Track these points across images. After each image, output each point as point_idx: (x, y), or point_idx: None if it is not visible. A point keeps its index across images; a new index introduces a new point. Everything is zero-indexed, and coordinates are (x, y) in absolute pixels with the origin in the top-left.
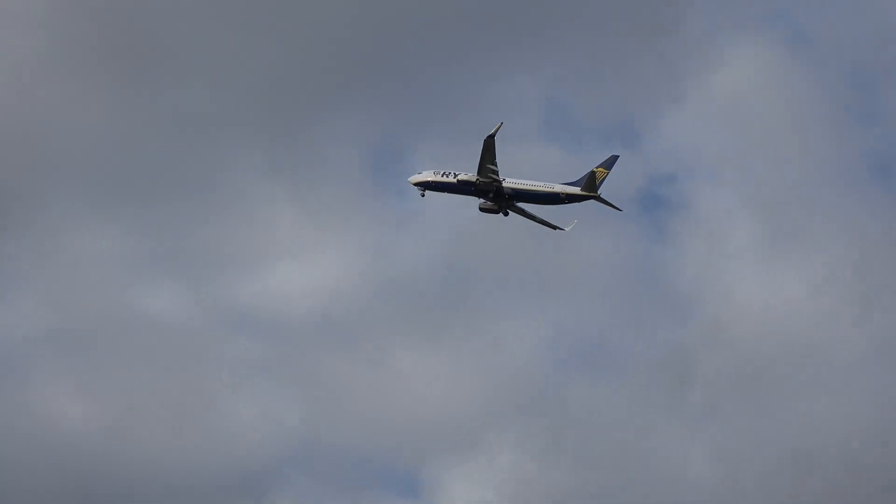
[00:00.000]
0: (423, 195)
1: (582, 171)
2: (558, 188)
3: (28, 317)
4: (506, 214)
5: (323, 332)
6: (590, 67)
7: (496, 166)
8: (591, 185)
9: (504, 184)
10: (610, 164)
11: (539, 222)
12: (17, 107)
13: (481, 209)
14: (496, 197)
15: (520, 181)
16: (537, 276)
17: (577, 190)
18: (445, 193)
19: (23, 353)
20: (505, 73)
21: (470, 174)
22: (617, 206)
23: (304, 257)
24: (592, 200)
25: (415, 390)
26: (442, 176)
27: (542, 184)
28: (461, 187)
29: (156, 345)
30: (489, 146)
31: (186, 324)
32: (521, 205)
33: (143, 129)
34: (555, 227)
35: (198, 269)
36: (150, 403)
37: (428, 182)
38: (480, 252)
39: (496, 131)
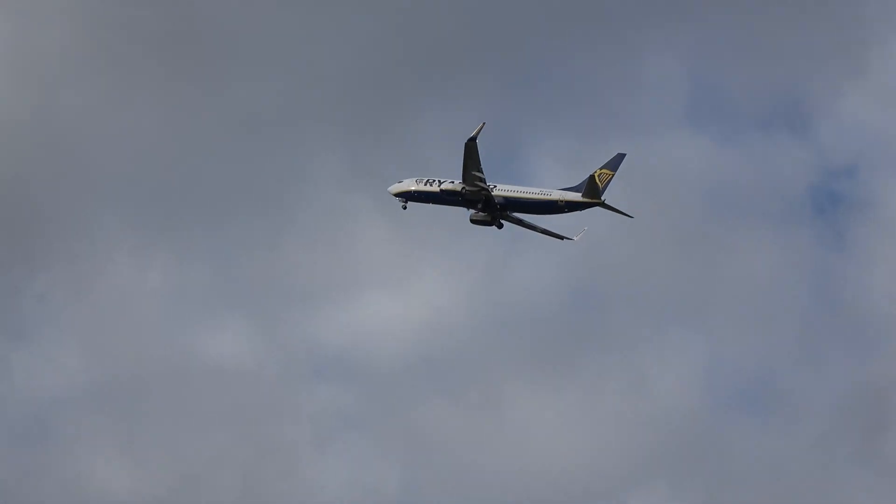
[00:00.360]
0: (404, 207)
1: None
2: (556, 195)
3: (67, 366)
4: (499, 226)
5: (423, 376)
6: (744, 38)
7: (482, 173)
8: (592, 191)
9: (494, 192)
10: (615, 164)
11: (541, 232)
12: (50, 110)
13: (472, 221)
14: (486, 207)
15: (512, 188)
16: (680, 295)
17: (577, 196)
18: (431, 204)
19: (61, 410)
20: (642, 50)
21: (455, 182)
22: (627, 212)
23: (398, 285)
24: (598, 208)
25: (538, 443)
26: (426, 184)
27: (537, 190)
28: (446, 197)
29: (221, 397)
30: (471, 151)
31: (258, 371)
32: (516, 214)
33: (203, 133)
34: (561, 237)
35: (270, 304)
36: (215, 469)
37: (410, 192)
38: (607, 268)
39: (477, 133)
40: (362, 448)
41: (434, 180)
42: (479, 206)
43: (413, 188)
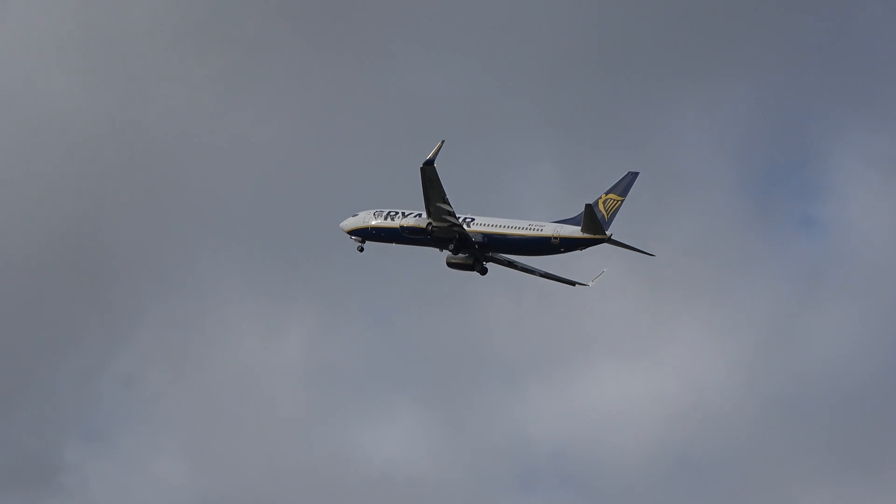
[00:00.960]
0: (361, 249)
1: None
2: (549, 229)
3: (165, 479)
4: (483, 271)
5: (677, 485)
6: None
7: (449, 204)
8: (592, 224)
9: (470, 228)
10: (625, 187)
11: (541, 276)
12: (140, 114)
13: (449, 264)
14: (462, 246)
15: (492, 221)
16: None
17: (575, 231)
18: (394, 244)
19: None
20: None
21: (420, 217)
22: (645, 250)
23: (637, 352)
24: (605, 244)
25: None
26: (386, 218)
27: (524, 224)
28: (410, 236)
29: None
30: (430, 178)
31: (438, 480)
32: (505, 256)
33: (351, 140)
34: (571, 283)
35: (450, 384)
36: None
37: (367, 229)
38: None
39: (435, 154)
40: None
41: (396, 213)
42: (452, 245)
43: (372, 223)
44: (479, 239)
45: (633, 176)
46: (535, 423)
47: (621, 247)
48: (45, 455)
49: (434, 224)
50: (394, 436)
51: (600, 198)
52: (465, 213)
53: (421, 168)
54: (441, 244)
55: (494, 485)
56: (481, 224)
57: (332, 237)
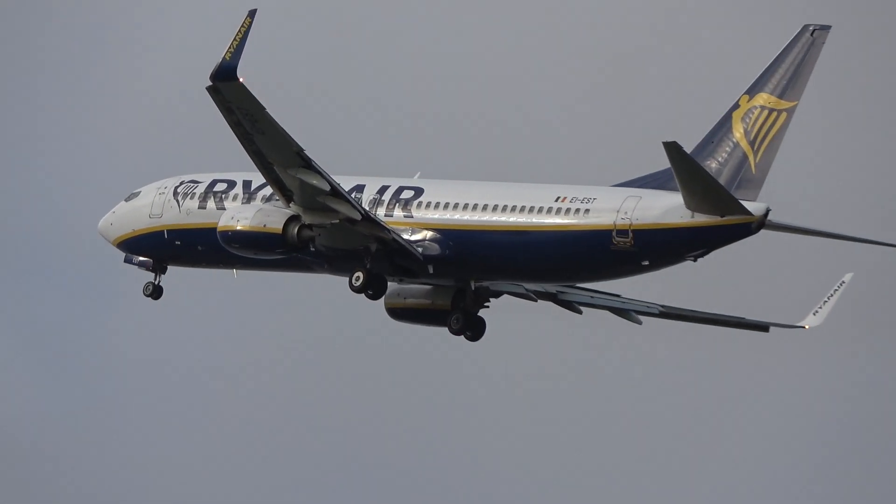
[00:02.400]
0: (153, 291)
1: None
2: (606, 202)
3: None
4: (473, 326)
5: None
6: None
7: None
8: (715, 191)
9: (402, 220)
10: (792, 73)
11: (661, 314)
12: None
13: (393, 310)
14: (393, 269)
15: (457, 197)
16: None
17: (675, 209)
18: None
19: None
20: None
21: (272, 205)
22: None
23: None
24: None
25: None
26: (200, 202)
27: (537, 195)
28: (253, 254)
29: None
30: (239, 98)
31: None
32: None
33: None
34: (764, 328)
35: None
36: None
37: (150, 241)
38: None
39: (235, 49)
40: None
41: (225, 186)
42: (364, 265)
43: (170, 224)
44: (433, 249)
45: (814, 34)
46: None
47: (796, 232)
48: None
49: (308, 220)
50: None
51: (735, 109)
52: (384, 180)
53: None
54: (337, 266)
55: None
56: (429, 206)
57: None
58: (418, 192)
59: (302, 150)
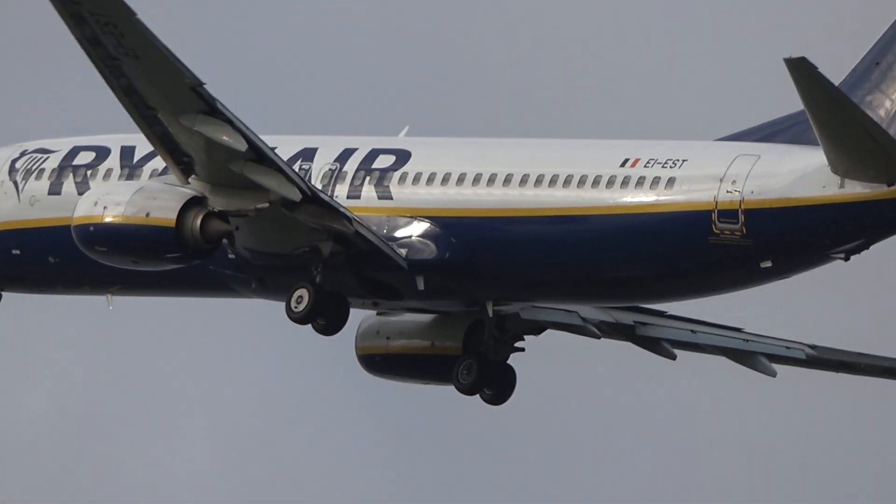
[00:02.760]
0: None
1: None
2: (706, 165)
3: None
4: (492, 398)
5: None
6: None
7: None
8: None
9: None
10: None
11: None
12: None
13: (368, 362)
14: (377, 288)
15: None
16: None
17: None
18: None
19: None
20: None
21: (162, 179)
22: None
23: None
24: None
25: None
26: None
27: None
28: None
29: None
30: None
31: None
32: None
33: None
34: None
35: None
36: None
37: None
38: None
39: None
40: None
41: (76, 159)
42: (316, 276)
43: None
44: (425, 251)
45: None
46: None
47: None
48: None
49: (218, 205)
50: None
51: None
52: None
53: None
54: (271, 283)
55: None
56: (419, 181)
57: None
58: (402, 157)
59: (200, 83)
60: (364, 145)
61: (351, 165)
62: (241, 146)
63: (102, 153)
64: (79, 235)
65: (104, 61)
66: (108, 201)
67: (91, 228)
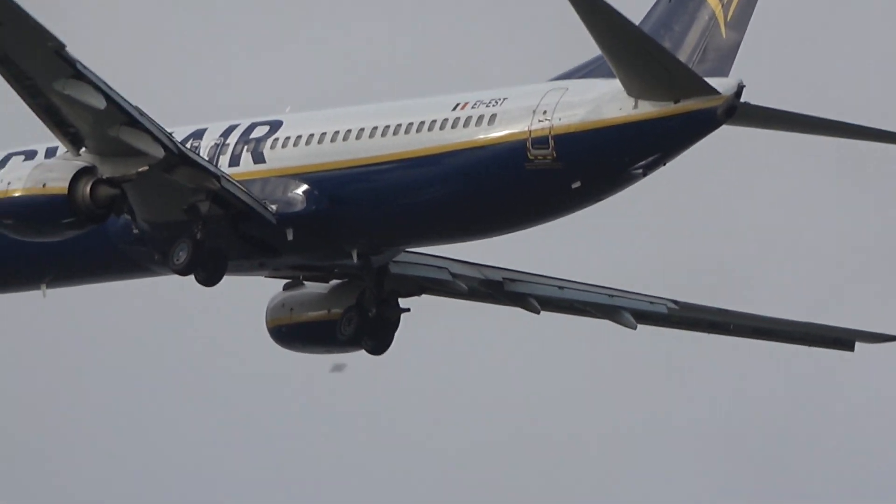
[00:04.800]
0: None
1: None
2: (521, 101)
3: None
4: (374, 348)
5: None
6: None
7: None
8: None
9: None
10: None
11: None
12: None
13: (276, 334)
14: (254, 245)
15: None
16: None
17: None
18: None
19: None
20: None
21: (59, 157)
22: None
23: None
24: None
25: None
26: None
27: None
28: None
29: None
30: None
31: None
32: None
33: None
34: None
35: None
36: None
37: None
38: None
39: None
40: None
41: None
42: (197, 233)
43: None
44: (292, 205)
45: None
46: None
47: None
48: None
49: (106, 172)
50: None
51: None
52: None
53: None
54: (168, 249)
55: None
56: (287, 144)
57: None
58: (275, 126)
59: (62, 45)
60: (245, 121)
61: (233, 139)
62: (101, 104)
63: (30, 155)
64: None
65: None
66: (12, 178)
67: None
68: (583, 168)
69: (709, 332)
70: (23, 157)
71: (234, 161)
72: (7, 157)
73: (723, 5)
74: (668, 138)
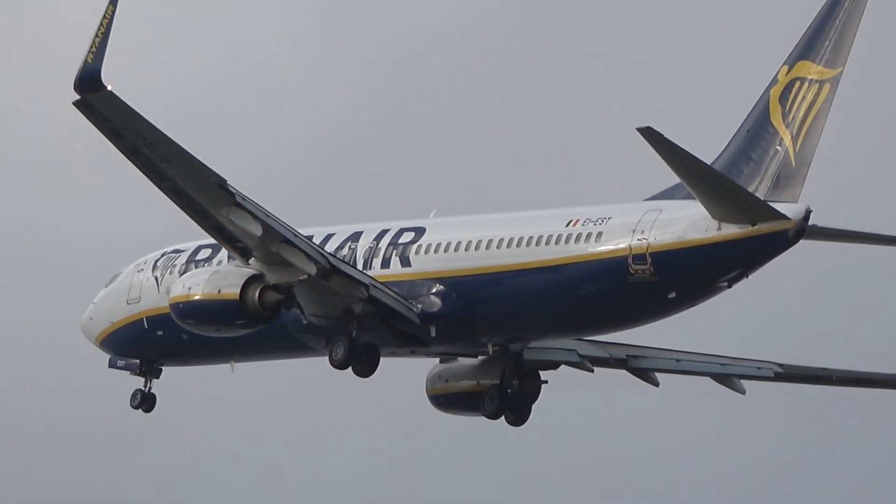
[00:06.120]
0: (139, 402)
1: None
2: (622, 219)
3: None
4: (514, 420)
5: None
6: None
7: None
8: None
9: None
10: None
11: None
12: None
13: (435, 401)
14: (404, 338)
15: (451, 234)
16: None
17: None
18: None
19: None
20: None
21: (232, 263)
22: None
23: None
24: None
25: None
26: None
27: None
28: (207, 330)
29: None
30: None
31: None
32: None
33: None
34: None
35: None
36: None
37: (122, 333)
38: None
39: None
40: None
41: (198, 255)
42: (353, 331)
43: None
44: (434, 305)
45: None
46: None
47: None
48: None
49: (272, 279)
50: None
51: (773, 86)
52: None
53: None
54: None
55: None
56: (430, 250)
57: None
58: (419, 232)
59: (223, 180)
60: (395, 226)
61: (384, 243)
62: (258, 231)
63: (217, 248)
64: (174, 311)
65: (148, 168)
66: (192, 283)
67: (181, 306)
68: (677, 281)
69: (813, 383)
70: (209, 250)
71: (385, 264)
72: (198, 249)
73: (792, 137)
74: (748, 256)
